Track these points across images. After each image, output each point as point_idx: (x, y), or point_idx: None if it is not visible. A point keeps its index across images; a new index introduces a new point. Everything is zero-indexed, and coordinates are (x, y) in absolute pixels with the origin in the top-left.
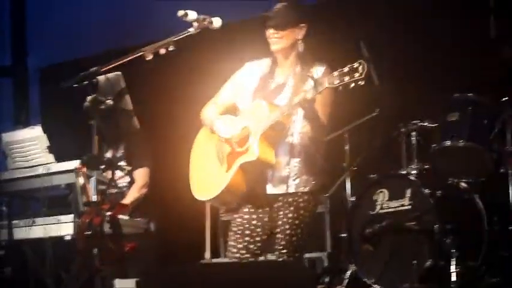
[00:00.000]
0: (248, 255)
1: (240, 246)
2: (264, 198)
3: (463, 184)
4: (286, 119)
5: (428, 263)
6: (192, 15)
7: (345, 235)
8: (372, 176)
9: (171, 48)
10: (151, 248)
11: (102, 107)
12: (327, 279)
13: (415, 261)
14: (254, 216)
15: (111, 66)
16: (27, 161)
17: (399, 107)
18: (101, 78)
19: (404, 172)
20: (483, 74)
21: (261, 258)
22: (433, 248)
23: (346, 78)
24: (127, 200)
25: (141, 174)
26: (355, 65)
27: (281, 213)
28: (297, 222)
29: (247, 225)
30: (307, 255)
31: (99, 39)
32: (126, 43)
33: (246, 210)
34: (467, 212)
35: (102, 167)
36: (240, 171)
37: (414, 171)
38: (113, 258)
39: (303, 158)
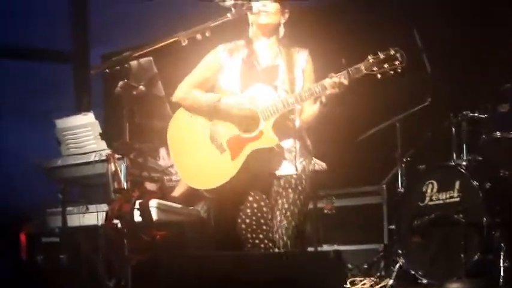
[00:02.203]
0: (271, 245)
1: (261, 236)
2: (267, 184)
3: None
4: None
5: (476, 257)
6: (229, 0)
7: (393, 227)
8: (421, 167)
9: (207, 34)
10: (208, 236)
11: (134, 92)
12: (378, 273)
13: (463, 255)
14: (262, 204)
15: (144, 51)
16: (80, 147)
17: (450, 97)
18: (133, 63)
19: (453, 163)
20: None
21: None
22: (481, 241)
23: (386, 66)
24: (176, 191)
25: None
26: (392, 52)
27: (280, 201)
28: (296, 211)
29: (259, 214)
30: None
31: (161, 26)
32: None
33: (251, 198)
34: None
35: (133, 154)
36: (248, 158)
37: (464, 163)
38: (143, 247)
39: (302, 141)
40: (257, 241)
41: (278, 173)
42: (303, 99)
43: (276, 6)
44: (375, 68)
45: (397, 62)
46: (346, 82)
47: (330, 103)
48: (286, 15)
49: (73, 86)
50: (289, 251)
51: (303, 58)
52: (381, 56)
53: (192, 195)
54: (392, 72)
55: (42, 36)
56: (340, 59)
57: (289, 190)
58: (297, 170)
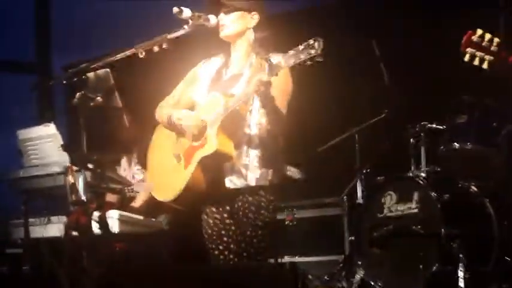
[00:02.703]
0: (232, 256)
1: (221, 248)
2: (225, 194)
3: (473, 188)
4: (243, 108)
5: (435, 268)
6: (186, 12)
7: (352, 238)
8: (379, 178)
9: (164, 46)
10: (165, 247)
11: (91, 104)
12: (339, 284)
13: (422, 266)
14: (225, 215)
15: (101, 63)
16: (42, 158)
17: (408, 107)
18: (90, 75)
19: (411, 175)
20: (492, 75)
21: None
22: (440, 252)
23: (302, 56)
24: (137, 201)
25: None
26: (311, 41)
27: (241, 213)
28: (258, 223)
29: (221, 226)
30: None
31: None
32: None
33: (214, 209)
34: (477, 216)
35: (91, 166)
36: (199, 166)
37: (422, 174)
38: (102, 259)
39: (261, 151)
40: (216, 252)
41: (231, 184)
42: (239, 100)
43: (235, 15)
44: (293, 60)
45: (312, 51)
46: (264, 78)
47: (270, 110)
48: (255, 19)
49: (36, 97)
50: (244, 262)
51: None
52: (300, 47)
53: (153, 206)
54: (310, 62)
55: (6, 46)
56: None
57: (248, 202)
58: (246, 181)
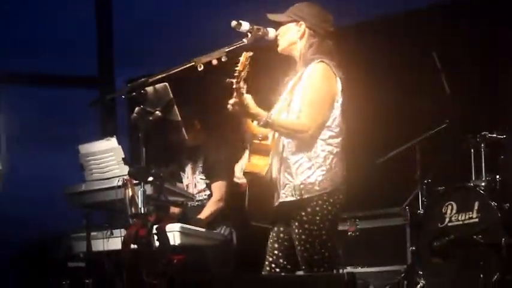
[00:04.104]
0: (290, 267)
1: (270, 259)
2: (270, 213)
3: None
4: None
5: (495, 277)
6: (245, 25)
7: (413, 248)
8: (440, 188)
9: (223, 59)
10: (231, 259)
11: (150, 118)
12: None
13: (482, 275)
14: (281, 229)
15: (160, 77)
16: (103, 173)
17: (468, 117)
18: (149, 89)
19: (472, 184)
20: None
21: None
22: (500, 261)
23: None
24: (203, 214)
25: (217, 188)
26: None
27: (288, 230)
28: (303, 237)
29: (275, 238)
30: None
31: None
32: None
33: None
34: None
35: (150, 179)
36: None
37: (483, 184)
38: (160, 272)
39: (294, 162)
40: (273, 265)
41: (285, 198)
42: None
43: (282, 29)
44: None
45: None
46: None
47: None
48: (302, 28)
49: (99, 112)
50: (304, 274)
51: (306, 72)
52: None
53: (215, 218)
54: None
55: (69, 62)
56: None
57: (300, 215)
58: (279, 197)
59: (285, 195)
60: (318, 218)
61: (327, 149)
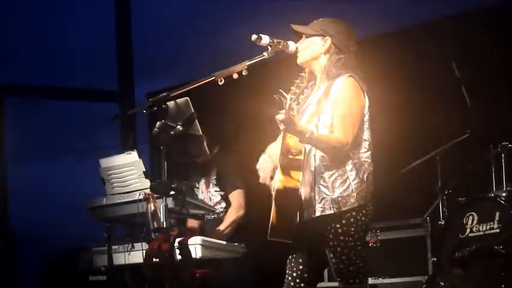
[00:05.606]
0: (303, 285)
1: (294, 275)
2: (295, 228)
3: None
4: (295, 141)
5: None
6: (265, 39)
7: (434, 259)
8: (461, 199)
9: (244, 73)
10: (251, 272)
11: (172, 132)
12: None
13: (503, 286)
14: (307, 244)
15: (181, 91)
16: (124, 186)
17: (489, 128)
18: (170, 103)
19: (493, 195)
20: None
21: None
22: None
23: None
24: (223, 225)
25: (236, 197)
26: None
27: (315, 244)
28: (339, 249)
29: (300, 253)
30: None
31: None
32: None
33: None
34: None
35: (172, 192)
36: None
37: (504, 194)
38: (183, 286)
39: (329, 176)
40: (298, 280)
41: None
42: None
43: (306, 41)
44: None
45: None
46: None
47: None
48: (327, 43)
49: (119, 125)
50: (340, 287)
51: (335, 87)
52: None
53: (238, 227)
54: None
55: (88, 75)
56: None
57: (335, 228)
58: (315, 212)
59: (322, 209)
60: (352, 229)
61: (359, 163)
